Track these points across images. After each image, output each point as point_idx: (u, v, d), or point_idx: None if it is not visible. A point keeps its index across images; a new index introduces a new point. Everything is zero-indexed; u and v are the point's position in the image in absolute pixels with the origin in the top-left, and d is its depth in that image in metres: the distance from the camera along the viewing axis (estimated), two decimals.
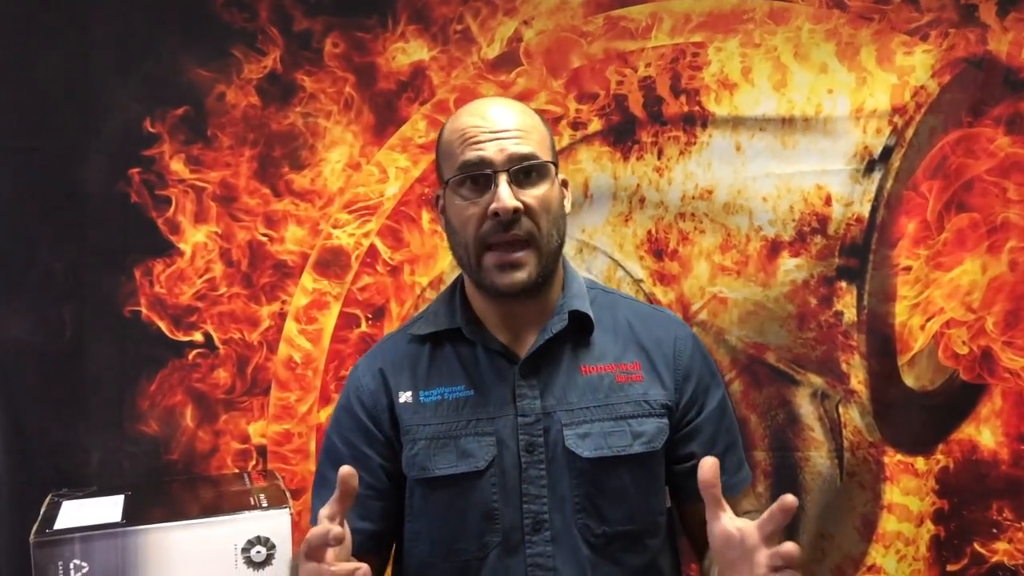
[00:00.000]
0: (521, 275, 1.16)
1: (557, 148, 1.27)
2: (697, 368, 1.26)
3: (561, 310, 1.22)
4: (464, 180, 1.16)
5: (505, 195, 1.13)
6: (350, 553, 1.07)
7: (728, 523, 1.02)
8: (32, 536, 1.25)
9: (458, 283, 1.28)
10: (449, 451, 1.19)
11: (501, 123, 1.17)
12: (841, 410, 1.72)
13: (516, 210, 1.13)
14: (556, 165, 1.21)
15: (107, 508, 1.35)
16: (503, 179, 1.14)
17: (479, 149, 1.15)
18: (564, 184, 1.24)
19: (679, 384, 1.24)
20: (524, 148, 1.16)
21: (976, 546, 1.72)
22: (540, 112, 1.26)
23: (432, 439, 1.20)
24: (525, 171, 1.16)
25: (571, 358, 1.22)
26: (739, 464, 1.29)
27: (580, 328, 1.23)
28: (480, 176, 1.15)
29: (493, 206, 1.13)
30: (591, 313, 1.24)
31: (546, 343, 1.21)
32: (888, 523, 1.73)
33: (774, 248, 1.72)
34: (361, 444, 1.23)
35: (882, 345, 1.71)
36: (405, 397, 1.23)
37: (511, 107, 1.21)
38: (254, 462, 1.69)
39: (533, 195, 1.15)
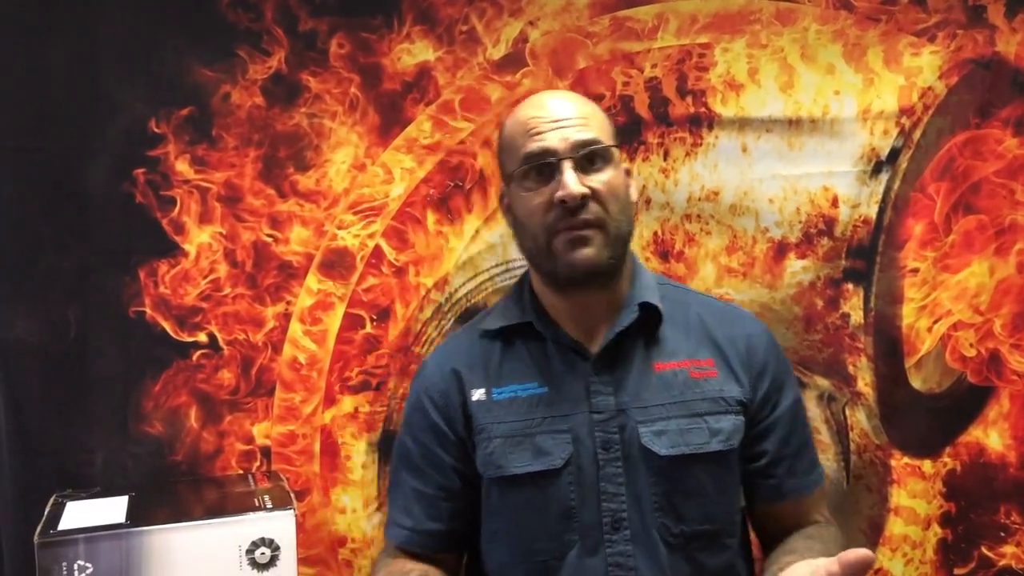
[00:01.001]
0: (590, 251, 1.14)
1: None
2: (772, 365, 1.25)
3: (631, 303, 1.21)
4: (528, 171, 1.16)
5: (571, 181, 1.12)
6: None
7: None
8: (36, 537, 1.24)
9: (525, 280, 1.28)
10: (525, 449, 1.18)
11: (561, 112, 1.16)
12: (848, 412, 1.72)
13: (583, 196, 1.12)
14: (619, 150, 1.20)
15: (111, 509, 1.34)
16: (567, 166, 1.13)
17: (541, 139, 1.15)
18: (628, 173, 1.22)
19: (753, 381, 1.23)
20: (586, 134, 1.15)
21: (984, 549, 1.71)
22: None
23: (507, 437, 1.19)
24: (589, 157, 1.15)
25: (643, 355, 1.21)
26: (811, 464, 1.28)
27: (651, 323, 1.22)
28: (544, 166, 1.15)
29: (559, 193, 1.12)
30: (661, 306, 1.22)
31: (618, 338, 1.19)
32: (895, 526, 1.72)
33: (780, 250, 1.71)
34: (432, 444, 1.23)
35: (889, 347, 1.71)
36: (478, 395, 1.22)
37: (570, 97, 1.21)
38: (258, 463, 1.69)
39: (599, 180, 1.15)
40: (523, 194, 1.17)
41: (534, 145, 1.15)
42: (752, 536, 1.33)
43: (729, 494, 1.23)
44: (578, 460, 1.18)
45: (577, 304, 1.21)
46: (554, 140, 1.14)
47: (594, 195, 1.14)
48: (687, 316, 1.26)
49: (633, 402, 1.19)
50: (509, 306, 1.26)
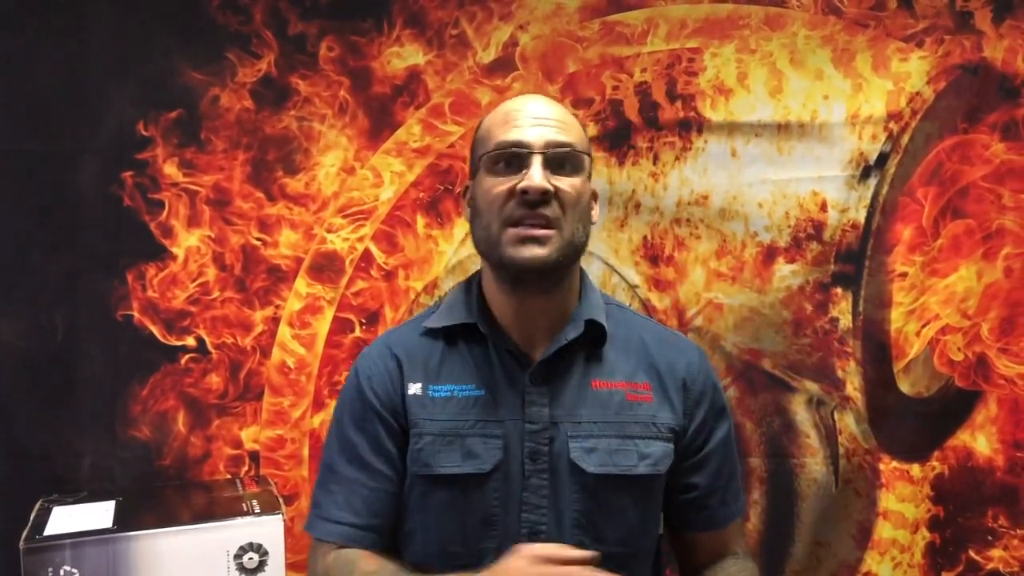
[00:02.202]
0: (540, 251, 1.13)
1: None
2: (709, 395, 1.25)
3: (577, 318, 1.21)
4: (498, 158, 1.15)
5: (537, 175, 1.12)
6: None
7: None
8: (22, 542, 1.24)
9: (475, 279, 1.27)
10: (454, 449, 1.17)
11: (542, 112, 1.16)
12: (836, 416, 1.72)
13: (546, 192, 1.12)
14: (591, 161, 1.20)
15: (98, 514, 1.34)
16: (537, 160, 1.13)
17: (517, 131, 1.14)
18: (594, 195, 1.22)
19: (688, 410, 1.22)
20: (562, 137, 1.15)
21: (971, 553, 1.71)
22: None
23: (438, 435, 1.18)
24: (560, 159, 1.14)
25: (583, 371, 1.21)
26: (736, 494, 1.28)
27: (593, 341, 1.22)
28: (514, 156, 1.14)
29: (523, 184, 1.12)
30: (607, 325, 1.22)
31: (559, 352, 1.19)
32: (883, 530, 1.73)
33: (770, 254, 1.71)
34: (379, 435, 1.20)
35: (878, 351, 1.71)
36: (415, 389, 1.20)
37: (552, 102, 1.21)
38: (247, 468, 1.68)
39: (565, 183, 1.14)
40: (487, 179, 1.16)
41: (509, 135, 1.15)
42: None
43: (649, 520, 1.23)
44: (506, 468, 1.17)
45: (523, 309, 1.20)
46: (530, 135, 1.14)
47: (557, 194, 1.13)
48: (629, 338, 1.25)
49: (567, 416, 1.18)
50: (455, 305, 1.25)
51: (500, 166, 1.15)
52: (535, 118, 1.15)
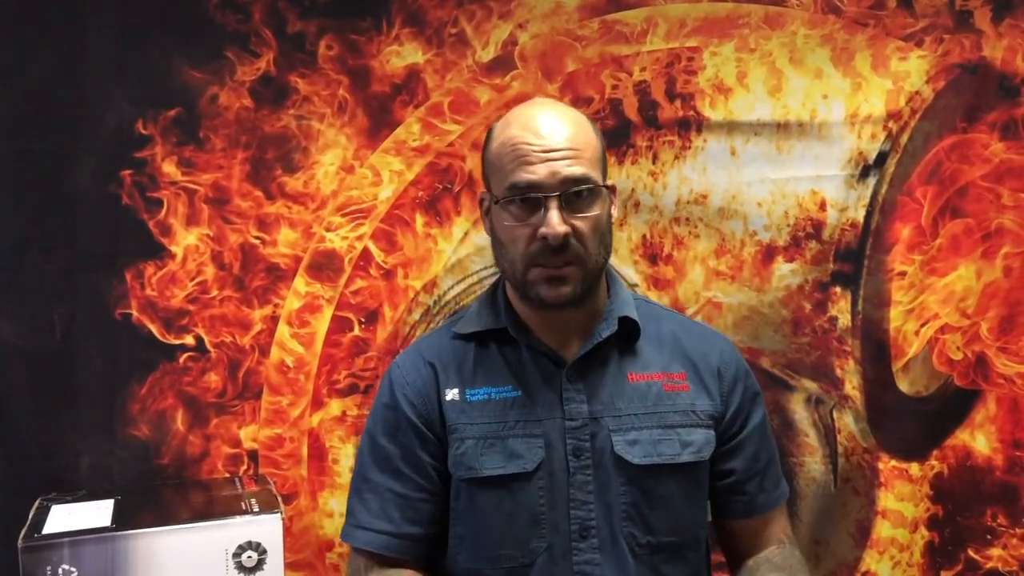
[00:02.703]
0: (567, 289, 1.15)
1: None
2: (742, 380, 1.26)
3: (610, 316, 1.22)
4: (514, 200, 1.15)
5: (555, 221, 1.12)
6: None
7: None
8: (20, 541, 1.23)
9: (498, 285, 1.27)
10: (497, 451, 1.18)
11: (553, 140, 1.14)
12: (835, 415, 1.72)
13: (566, 235, 1.13)
14: (607, 179, 1.20)
15: (97, 513, 1.33)
16: (553, 204, 1.13)
17: (530, 172, 1.13)
18: (612, 189, 1.22)
19: (724, 396, 1.24)
20: (577, 170, 1.14)
21: (970, 552, 1.72)
22: None
23: (479, 439, 1.18)
24: (577, 193, 1.14)
25: (618, 365, 1.22)
26: (777, 480, 1.30)
27: (627, 336, 1.23)
28: (530, 198, 1.14)
29: (543, 230, 1.12)
30: (639, 320, 1.23)
31: (593, 349, 1.20)
32: (882, 529, 1.73)
33: (769, 253, 1.71)
34: (412, 445, 1.21)
35: (876, 351, 1.71)
36: (452, 395, 1.21)
37: (564, 119, 1.17)
38: (245, 467, 1.68)
39: (583, 217, 1.14)
40: (507, 222, 1.16)
41: (522, 176, 1.13)
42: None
43: (696, 507, 1.24)
44: (549, 466, 1.17)
45: (551, 318, 1.22)
46: (542, 173, 1.13)
47: (575, 233, 1.14)
48: (660, 331, 1.26)
49: (606, 411, 1.19)
50: (483, 311, 1.26)
51: (516, 205, 1.15)
52: (545, 151, 1.14)
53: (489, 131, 1.22)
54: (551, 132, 1.15)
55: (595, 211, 1.16)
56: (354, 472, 1.28)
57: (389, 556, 1.21)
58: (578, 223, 1.14)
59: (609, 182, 1.21)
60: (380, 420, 1.25)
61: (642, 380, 1.22)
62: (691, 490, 1.22)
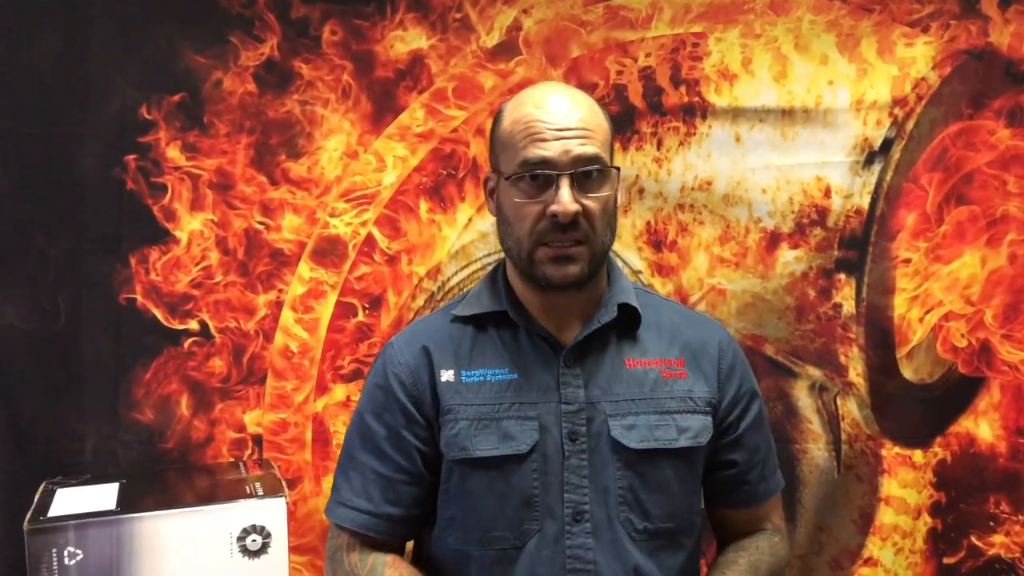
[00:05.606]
0: (574, 268, 1.15)
1: None
2: (739, 371, 1.27)
3: (609, 302, 1.22)
4: (524, 176, 1.15)
5: (566, 199, 1.12)
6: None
7: None
8: (26, 524, 1.24)
9: (499, 269, 1.28)
10: (491, 432, 1.18)
11: (566, 119, 1.15)
12: (839, 402, 1.72)
13: (576, 213, 1.13)
14: (618, 172, 1.20)
15: (102, 496, 1.34)
16: (565, 182, 1.13)
17: (543, 148, 1.13)
18: (617, 170, 1.22)
19: (722, 383, 1.25)
20: (589, 149, 1.14)
21: (973, 539, 1.72)
22: None
23: (474, 420, 1.19)
24: (587, 173, 1.14)
25: (616, 351, 1.22)
26: (774, 469, 1.31)
27: (625, 322, 1.23)
28: (541, 175, 1.14)
29: (553, 207, 1.12)
30: (639, 308, 1.24)
31: (591, 334, 1.20)
32: (885, 516, 1.73)
33: (773, 240, 1.71)
34: (399, 426, 1.21)
35: (881, 338, 1.71)
36: (447, 376, 1.21)
37: (576, 101, 1.18)
38: (250, 451, 1.68)
39: (593, 197, 1.15)
40: (516, 199, 1.16)
41: (535, 152, 1.13)
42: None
43: (692, 493, 1.24)
44: (544, 448, 1.18)
45: (552, 301, 1.22)
46: (555, 150, 1.13)
47: (585, 212, 1.14)
48: (659, 319, 1.27)
49: (604, 396, 1.19)
50: (482, 294, 1.26)
51: (526, 182, 1.15)
52: (558, 129, 1.14)
53: (499, 111, 1.22)
54: (564, 111, 1.15)
55: (605, 192, 1.16)
56: (342, 449, 1.28)
57: (368, 535, 1.21)
58: (588, 203, 1.14)
59: (616, 164, 1.21)
60: (370, 399, 1.25)
61: (640, 366, 1.22)
62: (687, 476, 1.22)
